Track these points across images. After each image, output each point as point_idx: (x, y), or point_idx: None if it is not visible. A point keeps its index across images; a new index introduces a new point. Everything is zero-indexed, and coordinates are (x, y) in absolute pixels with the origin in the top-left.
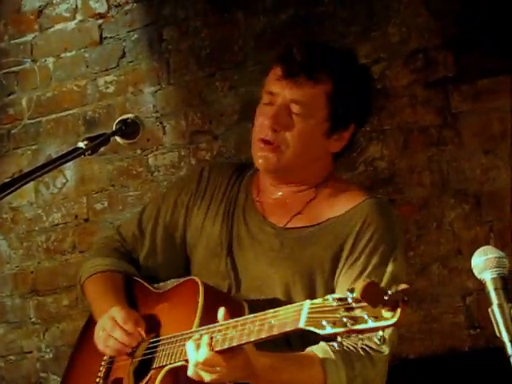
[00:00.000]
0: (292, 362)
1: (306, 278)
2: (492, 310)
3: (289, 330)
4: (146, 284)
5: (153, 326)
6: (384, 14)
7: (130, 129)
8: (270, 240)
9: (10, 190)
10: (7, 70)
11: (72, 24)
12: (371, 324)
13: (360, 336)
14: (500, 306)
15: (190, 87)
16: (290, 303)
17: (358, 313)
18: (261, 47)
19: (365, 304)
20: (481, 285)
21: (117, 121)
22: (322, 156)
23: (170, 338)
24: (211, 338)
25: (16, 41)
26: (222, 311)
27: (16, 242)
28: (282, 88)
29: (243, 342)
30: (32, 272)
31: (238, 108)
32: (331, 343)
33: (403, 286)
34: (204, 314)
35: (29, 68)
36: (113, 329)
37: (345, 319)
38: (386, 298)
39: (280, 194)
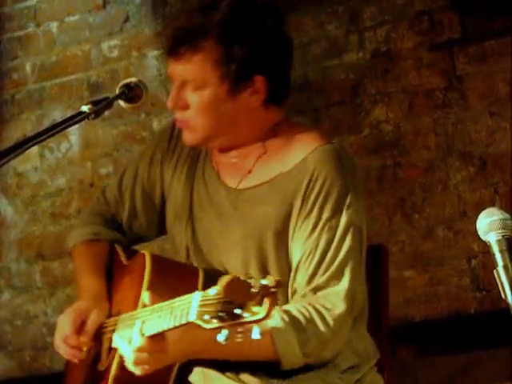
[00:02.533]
0: None
1: (258, 240)
2: (497, 272)
3: (184, 322)
4: (120, 254)
5: (118, 301)
6: None
7: (133, 92)
8: (223, 203)
9: (14, 155)
10: (11, 35)
11: None
12: (246, 319)
13: (318, 294)
14: (505, 268)
15: None
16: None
17: (232, 307)
18: None
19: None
20: (486, 247)
21: (120, 85)
22: (243, 113)
23: (116, 319)
24: (143, 323)
25: (19, 5)
26: (146, 295)
27: (21, 207)
28: (172, 67)
29: (166, 329)
30: (37, 237)
31: None
32: (286, 307)
33: (270, 278)
34: (151, 289)
35: (32, 33)
36: (60, 340)
37: (221, 314)
38: (253, 290)
39: (231, 154)
